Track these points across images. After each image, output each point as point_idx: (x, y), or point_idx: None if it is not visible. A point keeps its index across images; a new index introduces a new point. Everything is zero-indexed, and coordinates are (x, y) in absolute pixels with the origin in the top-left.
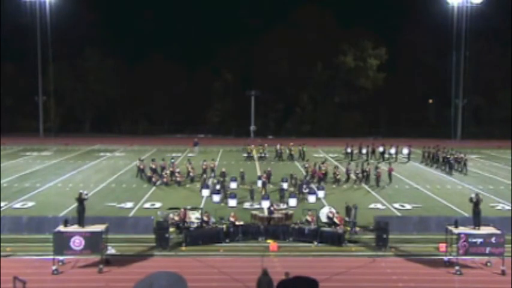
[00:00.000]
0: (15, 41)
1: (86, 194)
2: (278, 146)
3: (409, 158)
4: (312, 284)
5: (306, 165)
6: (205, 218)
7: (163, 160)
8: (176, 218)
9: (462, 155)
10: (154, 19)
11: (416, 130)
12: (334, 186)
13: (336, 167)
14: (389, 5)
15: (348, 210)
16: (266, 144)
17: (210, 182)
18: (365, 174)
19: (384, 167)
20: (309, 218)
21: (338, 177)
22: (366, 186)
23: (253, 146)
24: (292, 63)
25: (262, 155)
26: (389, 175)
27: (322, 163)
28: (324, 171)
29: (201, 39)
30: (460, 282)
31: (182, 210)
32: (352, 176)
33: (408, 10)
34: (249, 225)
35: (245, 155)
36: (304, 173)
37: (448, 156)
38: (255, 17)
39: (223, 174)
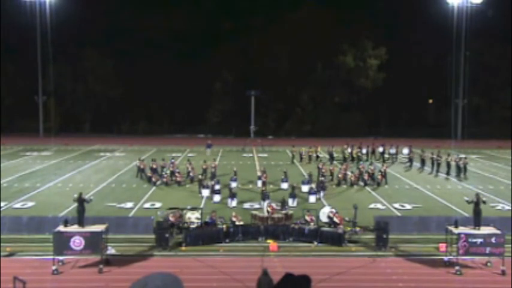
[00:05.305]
0: (15, 41)
1: (91, 200)
2: (331, 148)
3: (410, 159)
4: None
5: (320, 166)
6: (215, 219)
7: (163, 160)
8: (172, 219)
9: (464, 158)
10: (154, 19)
11: (416, 130)
12: (334, 186)
13: (340, 168)
14: (389, 5)
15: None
16: (319, 147)
17: (209, 182)
18: (364, 174)
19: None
20: (307, 218)
21: (340, 176)
22: (367, 187)
23: (304, 147)
24: (292, 63)
25: (315, 155)
26: (385, 175)
27: (370, 164)
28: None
29: (201, 39)
30: (460, 282)
31: (177, 212)
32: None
33: (408, 10)
34: (249, 225)
35: (301, 154)
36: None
37: (450, 160)
38: (255, 17)
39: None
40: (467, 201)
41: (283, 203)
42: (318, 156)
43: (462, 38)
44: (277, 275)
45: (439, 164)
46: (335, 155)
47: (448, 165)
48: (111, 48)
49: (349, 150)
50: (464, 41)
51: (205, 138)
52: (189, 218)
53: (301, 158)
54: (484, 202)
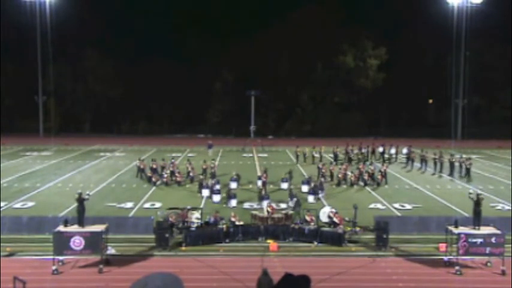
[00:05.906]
0: (15, 41)
1: (88, 195)
2: (336, 148)
3: (410, 159)
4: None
5: (320, 166)
6: (218, 219)
7: (163, 160)
8: (172, 219)
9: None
10: (155, 19)
11: (416, 130)
12: (334, 186)
13: (340, 168)
14: (389, 5)
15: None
16: (323, 147)
17: (209, 182)
18: (364, 174)
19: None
20: (307, 218)
21: (339, 176)
22: (367, 187)
23: (308, 147)
24: (292, 63)
25: (317, 155)
26: (385, 175)
27: (371, 164)
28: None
29: (201, 39)
30: (460, 282)
31: (182, 211)
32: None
33: (408, 10)
34: (249, 225)
35: (304, 154)
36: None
37: (454, 160)
38: (255, 17)
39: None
40: (470, 194)
41: (298, 202)
42: (321, 157)
43: (462, 38)
44: (277, 275)
45: (441, 164)
46: (333, 155)
47: (451, 165)
48: (111, 48)
49: (352, 150)
50: (464, 41)
51: (205, 138)
52: (189, 218)
53: (304, 159)
54: (482, 200)
